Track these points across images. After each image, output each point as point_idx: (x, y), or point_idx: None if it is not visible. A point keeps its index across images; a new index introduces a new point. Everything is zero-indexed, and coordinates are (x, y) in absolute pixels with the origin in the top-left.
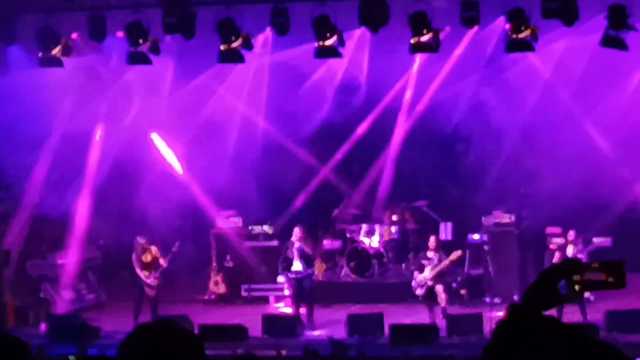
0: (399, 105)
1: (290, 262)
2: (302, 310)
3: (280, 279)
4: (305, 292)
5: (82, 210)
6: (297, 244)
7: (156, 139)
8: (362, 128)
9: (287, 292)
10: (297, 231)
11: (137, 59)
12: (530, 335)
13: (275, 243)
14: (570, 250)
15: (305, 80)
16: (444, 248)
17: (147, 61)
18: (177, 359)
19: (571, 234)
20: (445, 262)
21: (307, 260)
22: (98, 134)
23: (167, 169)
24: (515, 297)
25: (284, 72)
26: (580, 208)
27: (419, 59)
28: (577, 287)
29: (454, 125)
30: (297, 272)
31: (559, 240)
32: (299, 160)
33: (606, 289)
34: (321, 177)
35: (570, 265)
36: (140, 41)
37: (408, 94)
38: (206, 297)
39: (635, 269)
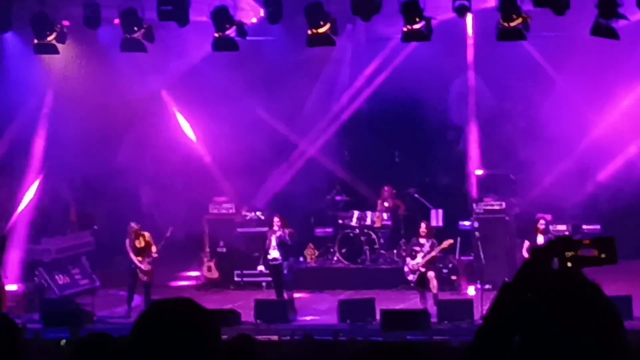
0: (388, 91)
1: (267, 251)
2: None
3: (261, 267)
4: (284, 281)
5: (74, 196)
6: (276, 233)
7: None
8: (349, 114)
9: None
10: (276, 220)
11: (131, 46)
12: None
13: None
14: (540, 240)
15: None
16: (435, 235)
17: (142, 49)
18: (196, 334)
19: (542, 223)
20: (436, 250)
21: (285, 249)
22: None
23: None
24: None
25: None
26: (570, 195)
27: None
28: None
29: (446, 113)
30: (274, 259)
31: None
32: (293, 148)
33: (598, 265)
34: (314, 164)
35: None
36: (135, 28)
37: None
38: (199, 282)
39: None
